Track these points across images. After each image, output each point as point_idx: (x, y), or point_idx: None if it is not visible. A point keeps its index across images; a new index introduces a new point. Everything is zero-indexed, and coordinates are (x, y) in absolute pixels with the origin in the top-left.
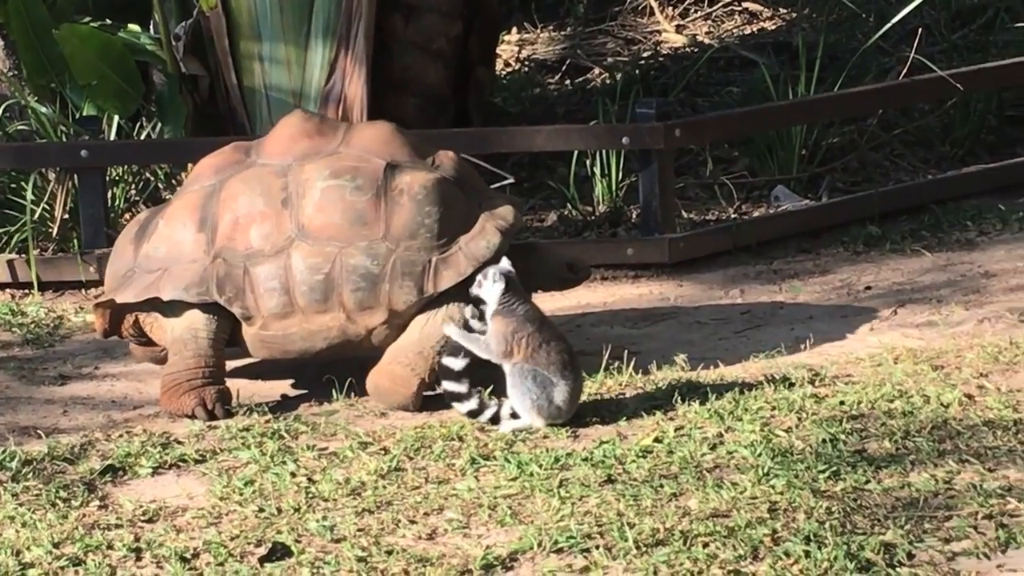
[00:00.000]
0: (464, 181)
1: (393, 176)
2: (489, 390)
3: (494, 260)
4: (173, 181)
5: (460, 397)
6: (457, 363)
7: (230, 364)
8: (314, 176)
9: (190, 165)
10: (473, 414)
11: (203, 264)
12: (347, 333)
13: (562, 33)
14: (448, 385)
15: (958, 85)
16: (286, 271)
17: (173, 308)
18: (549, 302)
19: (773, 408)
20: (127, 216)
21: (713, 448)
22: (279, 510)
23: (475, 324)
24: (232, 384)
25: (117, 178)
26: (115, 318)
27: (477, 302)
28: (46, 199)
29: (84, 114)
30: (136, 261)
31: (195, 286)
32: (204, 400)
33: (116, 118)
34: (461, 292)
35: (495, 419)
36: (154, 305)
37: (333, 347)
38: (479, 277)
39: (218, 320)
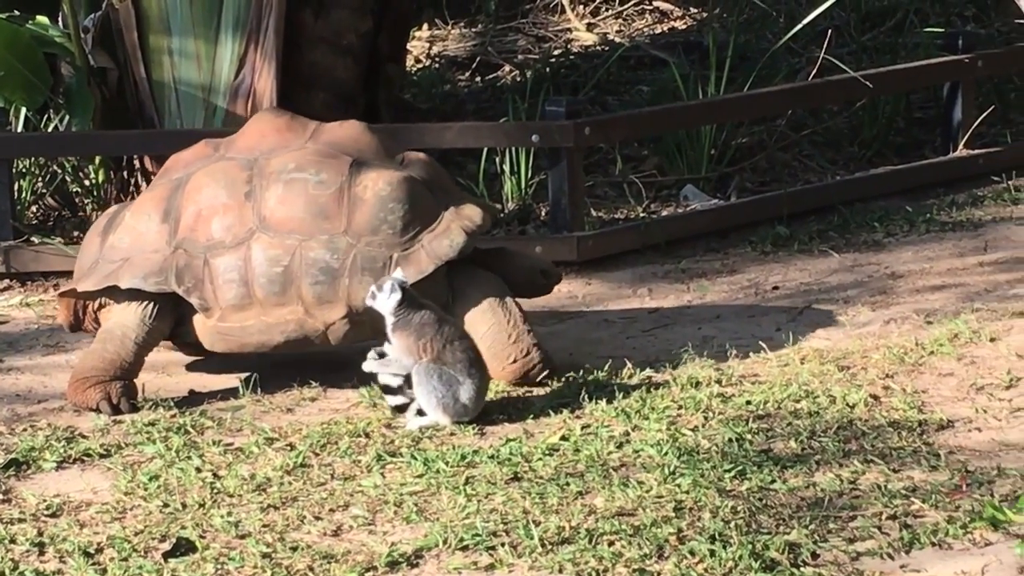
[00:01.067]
0: (432, 181)
1: (358, 172)
2: None
3: (458, 259)
4: (80, 174)
5: (393, 391)
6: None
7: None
8: (278, 169)
9: (97, 159)
10: (400, 409)
11: (164, 254)
12: (305, 327)
13: (473, 30)
14: (384, 378)
15: (868, 84)
16: (245, 262)
17: (122, 299)
18: None
19: (680, 407)
20: (33, 209)
21: (619, 447)
22: (184, 505)
23: (387, 348)
24: (138, 379)
25: (24, 171)
26: (79, 310)
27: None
28: None
29: None
30: (101, 252)
31: (154, 275)
32: (109, 394)
33: (23, 110)
34: (427, 289)
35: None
36: (112, 295)
37: (290, 342)
38: (372, 289)
39: (155, 322)
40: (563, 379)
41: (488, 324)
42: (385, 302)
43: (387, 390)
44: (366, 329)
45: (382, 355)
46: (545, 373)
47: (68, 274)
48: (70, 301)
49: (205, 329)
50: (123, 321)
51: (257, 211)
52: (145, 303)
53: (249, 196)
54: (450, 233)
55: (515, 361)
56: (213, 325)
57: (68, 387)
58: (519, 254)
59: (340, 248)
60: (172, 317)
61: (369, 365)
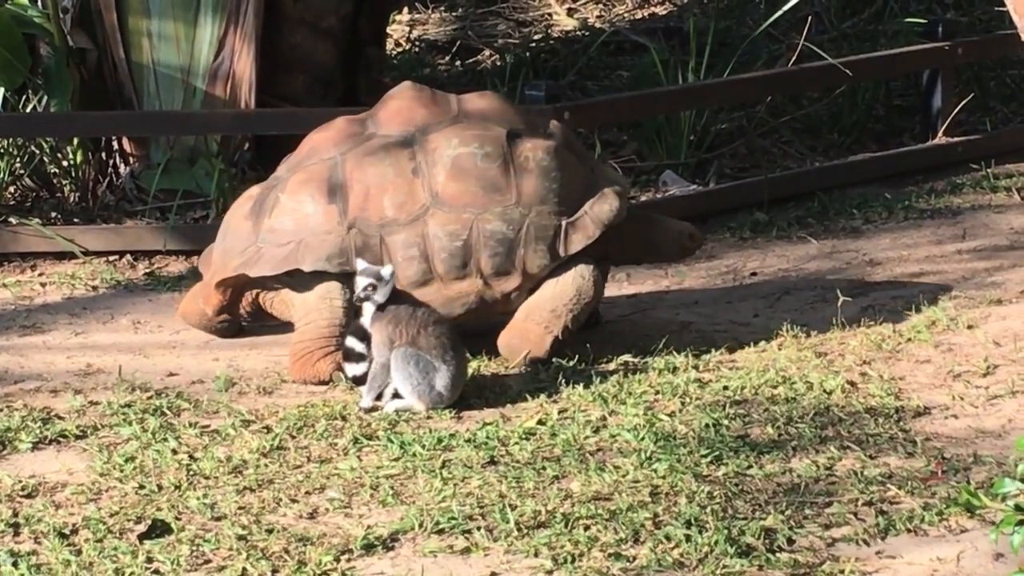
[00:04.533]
0: (575, 149)
1: (516, 144)
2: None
3: (616, 223)
4: (59, 155)
5: (354, 357)
6: (359, 345)
7: (116, 339)
8: (442, 145)
9: (75, 140)
10: (357, 381)
11: (339, 235)
12: (484, 298)
13: (453, 14)
14: (349, 341)
15: (848, 71)
16: (424, 239)
17: (304, 279)
18: None
19: (657, 392)
20: (11, 190)
21: (596, 431)
22: (159, 487)
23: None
24: (115, 360)
25: (2, 151)
26: (235, 295)
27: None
28: None
29: None
30: (259, 236)
31: (336, 256)
32: (341, 365)
33: (1, 90)
34: (587, 251)
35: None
36: (281, 279)
37: (471, 312)
38: (369, 282)
39: (346, 289)
40: (540, 363)
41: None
42: (384, 295)
43: (349, 355)
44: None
45: (363, 333)
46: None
47: (46, 255)
48: (226, 288)
49: None
50: (325, 294)
51: (428, 187)
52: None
53: (416, 172)
54: (608, 199)
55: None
56: None
57: (293, 366)
58: (666, 219)
59: (514, 219)
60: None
61: (352, 370)
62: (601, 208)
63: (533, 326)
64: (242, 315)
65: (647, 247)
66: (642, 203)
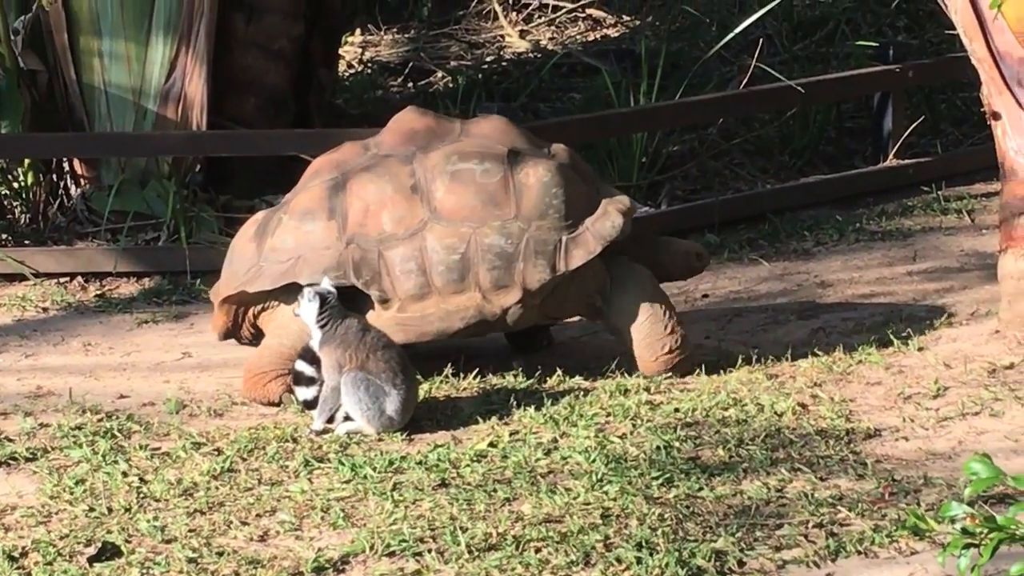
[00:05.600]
0: (579, 168)
1: (517, 161)
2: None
3: (619, 239)
4: (9, 176)
5: (304, 380)
6: (309, 369)
7: (67, 361)
8: (441, 161)
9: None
10: (308, 405)
11: (337, 250)
12: (483, 312)
13: (406, 36)
14: (299, 365)
15: (800, 90)
16: (422, 252)
17: (291, 296)
18: None
19: (608, 414)
20: None
21: (547, 453)
22: (110, 509)
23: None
24: (65, 382)
25: None
26: (238, 316)
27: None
28: None
29: None
30: (261, 256)
31: (332, 270)
32: (292, 388)
33: None
34: (595, 276)
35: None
36: (279, 296)
37: (469, 327)
38: (299, 297)
39: None
40: (492, 385)
41: (645, 315)
42: (306, 308)
43: (299, 379)
44: (536, 312)
45: (312, 356)
46: (692, 366)
47: None
48: (231, 307)
49: (381, 322)
50: (293, 311)
51: (427, 202)
52: None
53: (415, 189)
54: (610, 216)
55: (670, 351)
56: (392, 316)
57: (244, 383)
58: (673, 240)
59: (513, 233)
60: None
61: (299, 392)
62: (603, 224)
63: (662, 356)
64: (245, 337)
65: (655, 268)
66: None
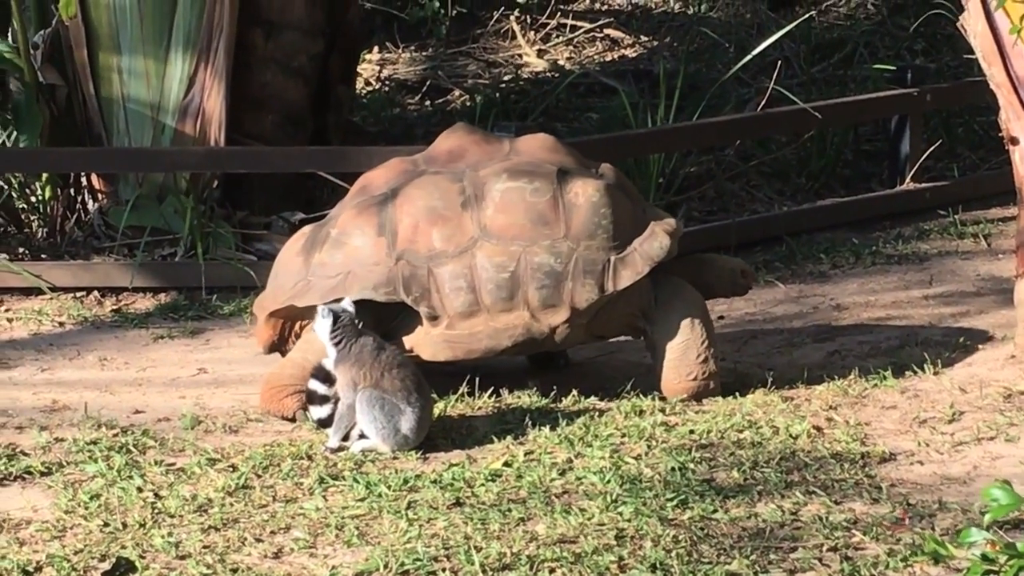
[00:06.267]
0: (626, 189)
1: (566, 180)
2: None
3: (666, 260)
4: (27, 190)
5: (317, 399)
6: (322, 387)
7: (83, 375)
8: (492, 179)
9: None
10: (323, 424)
11: (387, 266)
12: (531, 331)
13: (424, 54)
14: (312, 384)
15: (817, 114)
16: (471, 270)
17: None
18: None
19: (623, 435)
20: None
21: (562, 474)
22: (124, 525)
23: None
24: (81, 397)
25: None
26: (283, 330)
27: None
28: None
29: None
30: (309, 270)
31: (383, 286)
32: (306, 405)
33: None
34: (640, 296)
35: (345, 436)
36: (304, 311)
37: (517, 345)
38: (316, 314)
39: None
40: (506, 404)
41: (683, 338)
42: (320, 325)
43: (312, 398)
44: (583, 331)
45: (325, 375)
46: (709, 395)
47: (13, 291)
48: (277, 322)
49: (429, 339)
50: None
51: (477, 220)
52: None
53: (465, 206)
54: (657, 236)
55: (695, 379)
56: (440, 333)
57: (262, 394)
58: (719, 257)
59: (562, 253)
60: (377, 329)
61: (314, 410)
62: (651, 245)
63: (686, 382)
64: (289, 351)
65: (702, 287)
66: None
